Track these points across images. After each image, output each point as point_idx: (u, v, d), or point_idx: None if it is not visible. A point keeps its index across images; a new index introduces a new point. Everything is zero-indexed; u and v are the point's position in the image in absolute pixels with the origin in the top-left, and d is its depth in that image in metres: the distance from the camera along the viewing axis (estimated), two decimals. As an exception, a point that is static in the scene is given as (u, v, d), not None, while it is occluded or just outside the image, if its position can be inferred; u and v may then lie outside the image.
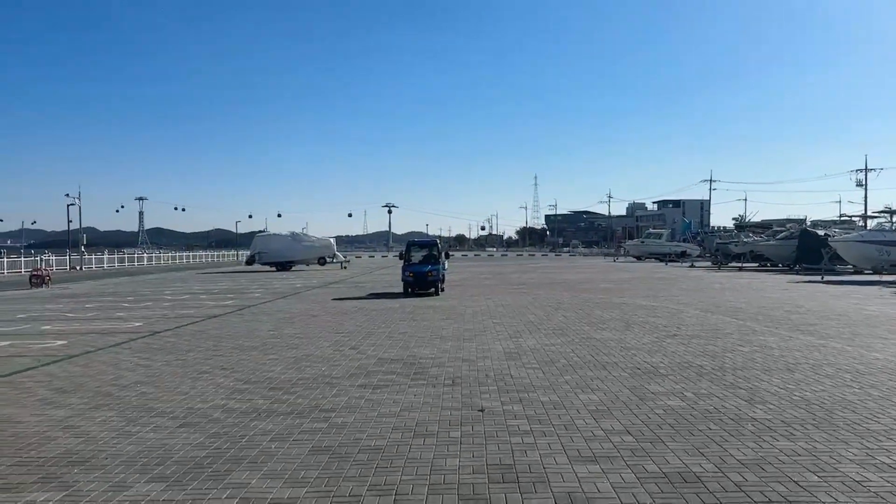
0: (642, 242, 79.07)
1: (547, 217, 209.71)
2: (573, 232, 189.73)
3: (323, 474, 5.60)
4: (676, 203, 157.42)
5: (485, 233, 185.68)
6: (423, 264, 25.25)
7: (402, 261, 26.11)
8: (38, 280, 34.48)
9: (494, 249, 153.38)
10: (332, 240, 56.99)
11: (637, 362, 10.53)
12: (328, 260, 54.94)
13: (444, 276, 26.23)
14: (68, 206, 63.14)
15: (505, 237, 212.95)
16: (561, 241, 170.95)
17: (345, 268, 52.94)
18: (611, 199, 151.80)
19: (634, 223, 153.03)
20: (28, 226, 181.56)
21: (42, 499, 5.15)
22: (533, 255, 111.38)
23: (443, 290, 25.41)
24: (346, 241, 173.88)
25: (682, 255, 70.03)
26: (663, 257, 69.58)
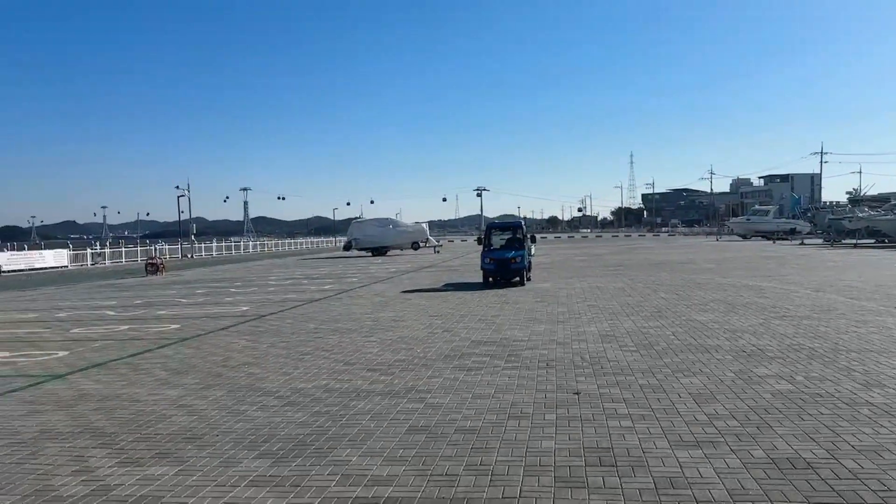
0: (748, 220, 75.57)
1: (644, 196, 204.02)
2: (672, 211, 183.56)
3: (420, 453, 5.70)
4: (784, 177, 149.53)
5: (579, 214, 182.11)
6: (506, 249, 22.08)
7: (482, 246, 22.58)
8: (153, 268, 36.72)
9: (588, 231, 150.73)
10: (424, 225, 57.62)
11: (742, 345, 10.10)
12: (421, 244, 55.63)
13: (530, 262, 22.84)
14: (178, 197, 66.79)
15: (599, 218, 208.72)
16: (659, 220, 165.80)
17: (437, 252, 53.47)
18: (713, 175, 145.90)
19: (739, 200, 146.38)
20: (142, 217, 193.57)
21: (159, 472, 5.50)
22: (629, 235, 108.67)
23: (529, 279, 22.38)
24: (438, 226, 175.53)
25: (792, 233, 66.53)
26: (770, 235, 66.30)
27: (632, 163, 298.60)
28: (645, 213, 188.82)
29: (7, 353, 11.71)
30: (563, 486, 4.87)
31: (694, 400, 7.06)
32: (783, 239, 62.29)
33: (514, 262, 21.08)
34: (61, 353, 11.49)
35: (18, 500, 5.00)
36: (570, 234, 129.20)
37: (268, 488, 5.07)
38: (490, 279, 21.40)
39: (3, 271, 42.16)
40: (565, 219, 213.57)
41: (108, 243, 71.40)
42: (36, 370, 10.09)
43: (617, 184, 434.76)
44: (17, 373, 9.94)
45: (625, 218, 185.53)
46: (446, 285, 22.67)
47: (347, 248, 55.06)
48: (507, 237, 23.26)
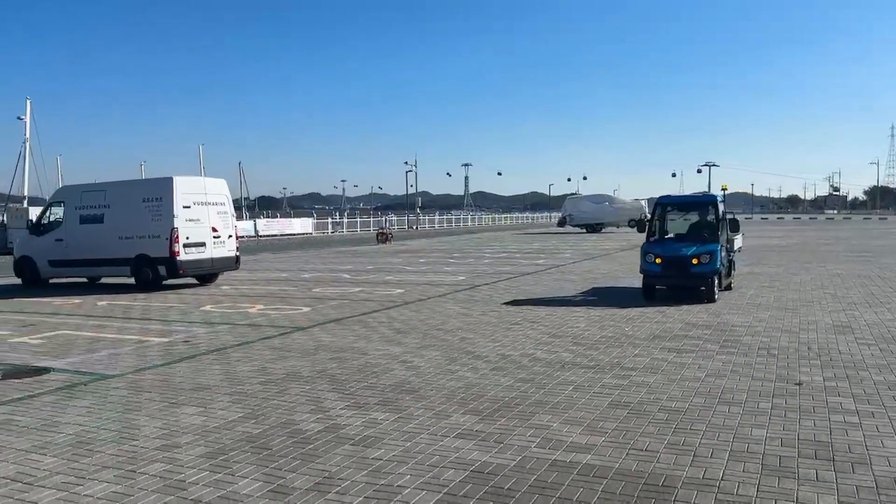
0: None
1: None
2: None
3: (621, 427, 5.76)
4: None
5: (826, 194, 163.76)
6: (685, 242, 13.71)
7: (646, 234, 14.47)
8: (382, 237, 39.82)
9: (834, 212, 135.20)
10: (643, 202, 55.68)
11: None
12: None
13: (731, 263, 14.81)
14: (406, 172, 71.26)
15: (849, 198, 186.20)
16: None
17: (658, 230, 51.46)
18: None
19: None
20: (375, 190, 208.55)
21: (381, 417, 6.15)
22: (884, 218, 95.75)
23: (729, 287, 14.53)
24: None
25: None
26: None
27: (893, 136, 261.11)
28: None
29: (262, 307, 13.55)
30: (769, 474, 4.67)
31: (941, 403, 6.28)
32: None
33: (699, 261, 12.94)
34: (305, 309, 13.05)
35: (267, 429, 5.91)
36: (813, 216, 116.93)
37: (474, 441, 5.46)
38: (654, 286, 13.53)
39: (260, 235, 48.22)
40: (808, 198, 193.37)
41: (345, 214, 78.34)
42: (284, 322, 11.59)
43: (872, 159, 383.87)
44: (270, 324, 11.50)
45: (881, 198, 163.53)
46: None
47: (562, 224, 55.03)
48: (690, 221, 14.97)
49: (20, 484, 4.75)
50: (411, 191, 72.71)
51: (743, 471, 4.75)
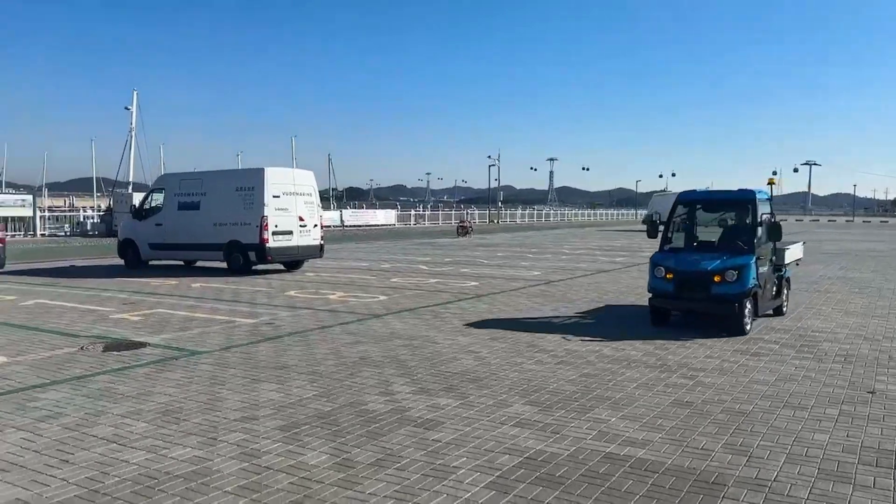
0: None
1: None
2: None
3: (680, 425, 5.80)
4: None
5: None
6: (708, 253, 10.35)
7: (660, 240, 11.07)
8: (462, 230, 40.18)
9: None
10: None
11: None
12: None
13: (782, 280, 11.33)
14: (489, 167, 71.33)
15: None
16: None
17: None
18: None
19: None
20: (459, 184, 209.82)
21: (444, 402, 6.42)
22: None
23: (781, 312, 11.36)
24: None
25: None
26: None
27: None
28: None
29: (342, 294, 14.10)
30: (825, 478, 4.65)
31: None
32: None
33: (723, 279, 9.70)
34: (382, 298, 13.50)
35: (337, 408, 6.28)
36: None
37: (530, 431, 5.64)
38: (665, 313, 10.52)
39: (346, 225, 49.58)
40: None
41: (428, 206, 79.32)
42: (361, 309, 12.06)
43: None
44: (348, 310, 11.99)
45: None
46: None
47: (648, 221, 53.92)
48: (719, 223, 11.39)
49: (115, 444, 5.28)
50: (494, 185, 72.89)
51: (797, 473, 4.74)
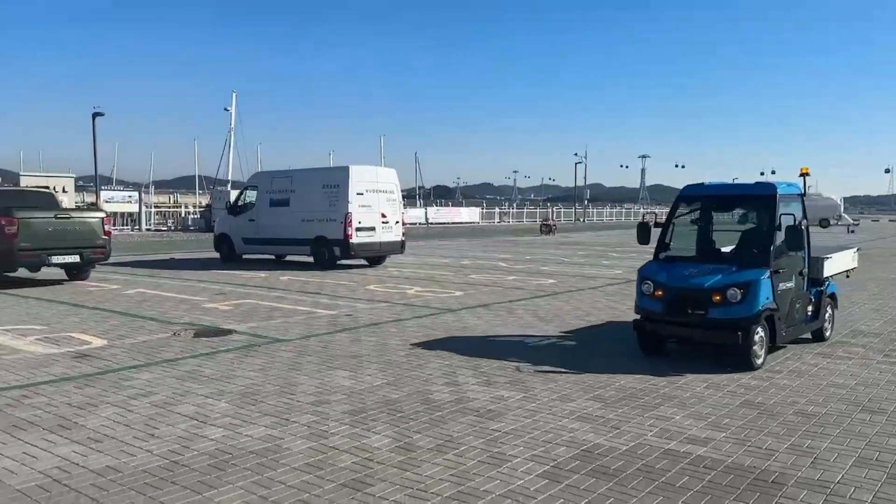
0: None
1: None
2: None
3: (746, 425, 5.70)
4: None
5: None
6: (708, 264, 8.12)
7: (656, 246, 8.72)
8: (546, 228, 39.99)
9: None
10: (837, 199, 51.01)
11: None
12: (832, 222, 49.44)
13: (819, 298, 8.96)
14: (576, 164, 70.50)
15: None
16: None
17: (852, 231, 46.92)
18: None
19: None
20: (546, 181, 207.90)
21: (507, 395, 6.54)
22: None
23: (822, 338, 9.20)
24: (863, 202, 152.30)
25: None
26: None
27: None
28: None
29: (420, 289, 14.41)
30: (892, 482, 4.49)
31: None
32: None
33: (723, 299, 7.57)
34: (458, 293, 13.72)
35: (404, 395, 6.51)
36: None
37: (591, 425, 5.69)
38: (655, 340, 8.36)
39: (430, 223, 50.25)
40: None
41: (514, 204, 79.20)
42: (437, 304, 12.31)
43: None
44: (424, 304, 12.26)
45: None
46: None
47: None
48: (731, 226, 9.51)
49: (196, 421, 5.70)
50: (581, 183, 71.97)
51: (864, 477, 4.60)
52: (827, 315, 9.26)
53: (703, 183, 9.15)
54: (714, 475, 4.66)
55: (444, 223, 52.37)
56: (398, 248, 19.11)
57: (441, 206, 71.16)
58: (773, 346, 7.96)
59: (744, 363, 7.58)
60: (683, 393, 6.67)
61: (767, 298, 7.61)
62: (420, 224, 49.29)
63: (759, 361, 7.68)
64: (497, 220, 58.64)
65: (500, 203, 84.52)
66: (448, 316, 11.01)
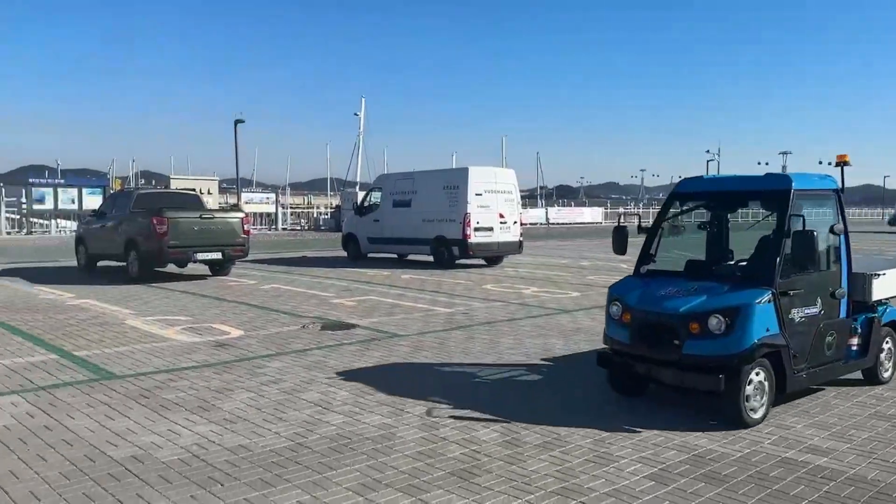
0: None
1: None
2: None
3: (873, 437, 5.40)
4: None
5: None
6: (695, 285, 5.99)
7: (639, 253, 6.97)
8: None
9: None
10: None
11: None
12: None
13: (865, 340, 6.67)
14: (707, 161, 67.50)
15: None
16: None
17: None
18: None
19: None
20: (675, 180, 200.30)
21: (620, 397, 6.51)
22: None
23: (880, 376, 6.92)
24: None
25: None
26: None
27: None
28: None
29: (536, 289, 14.47)
30: None
31: None
32: None
33: (701, 330, 5.58)
34: (574, 294, 13.66)
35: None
36: None
37: (706, 431, 5.56)
38: (624, 376, 6.41)
39: (551, 223, 49.91)
40: None
41: (640, 204, 76.95)
42: (552, 304, 12.33)
43: None
44: (539, 304, 12.32)
45: None
46: None
47: (893, 223, 47.67)
48: (738, 230, 7.41)
49: (320, 408, 6.12)
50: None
51: None
52: (886, 350, 7.03)
53: (701, 177, 7.66)
54: (832, 486, 4.47)
55: (566, 223, 51.84)
56: (516, 248, 19.23)
57: (563, 206, 70.39)
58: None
59: (732, 416, 5.61)
60: (809, 402, 6.37)
61: (768, 329, 5.59)
62: (541, 224, 49.06)
63: (755, 416, 5.65)
64: (621, 220, 57.36)
65: (625, 203, 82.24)
66: (563, 316, 11.02)
